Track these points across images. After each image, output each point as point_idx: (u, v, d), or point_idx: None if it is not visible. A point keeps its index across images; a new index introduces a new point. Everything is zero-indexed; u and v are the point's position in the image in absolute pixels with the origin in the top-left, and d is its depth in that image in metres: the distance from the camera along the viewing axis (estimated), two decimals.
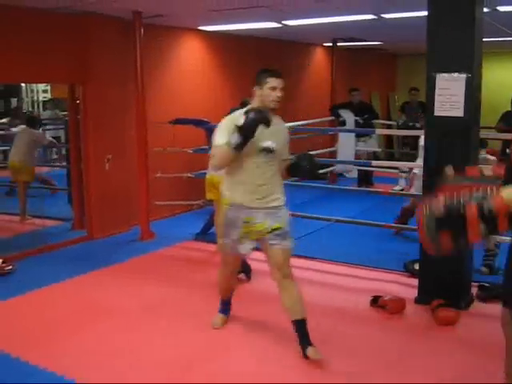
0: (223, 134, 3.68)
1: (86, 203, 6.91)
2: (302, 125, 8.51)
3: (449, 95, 4.41)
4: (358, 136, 9.71)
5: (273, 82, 3.70)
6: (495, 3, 5.90)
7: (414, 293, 4.86)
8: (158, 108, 7.39)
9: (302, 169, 3.96)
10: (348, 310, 4.71)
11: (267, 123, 3.60)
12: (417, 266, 5.11)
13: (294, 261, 5.88)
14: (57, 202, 8.22)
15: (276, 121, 3.85)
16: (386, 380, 3.57)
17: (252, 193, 3.78)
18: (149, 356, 3.87)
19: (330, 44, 10.76)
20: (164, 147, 7.13)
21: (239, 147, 3.60)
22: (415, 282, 4.94)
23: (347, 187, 8.55)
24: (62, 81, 6.79)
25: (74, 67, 6.53)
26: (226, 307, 4.42)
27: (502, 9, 6.24)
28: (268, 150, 3.76)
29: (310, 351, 3.74)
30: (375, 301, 4.75)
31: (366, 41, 10.33)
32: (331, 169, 10.01)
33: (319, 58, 11.59)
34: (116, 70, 6.93)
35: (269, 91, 3.70)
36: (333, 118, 9.81)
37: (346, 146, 9.05)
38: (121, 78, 6.95)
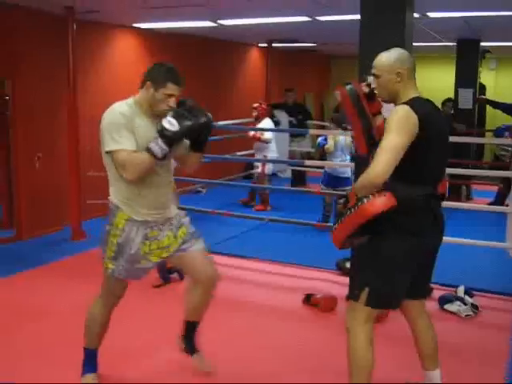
0: (125, 136, 3.07)
1: (15, 202, 6.71)
2: (236, 123, 8.53)
3: None
4: (292, 136, 9.82)
5: (172, 89, 3.05)
6: (425, 9, 6.07)
7: (346, 290, 4.94)
8: (91, 105, 7.23)
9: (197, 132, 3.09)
10: (280, 309, 4.75)
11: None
12: (348, 265, 5.20)
13: (227, 260, 5.96)
14: None
15: None
16: (319, 380, 3.62)
17: (155, 204, 3.19)
18: (79, 358, 3.80)
19: (266, 44, 10.84)
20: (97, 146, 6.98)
21: (164, 158, 3.03)
22: (347, 280, 5.03)
23: (280, 187, 8.61)
24: None
25: (1, 61, 6.32)
26: (94, 361, 3.44)
27: (431, 15, 6.43)
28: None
29: (196, 358, 3.55)
30: (308, 299, 4.81)
31: (300, 42, 10.44)
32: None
33: (255, 58, 11.63)
34: (48, 66, 6.77)
35: (164, 97, 3.05)
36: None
37: (280, 146, 9.12)
38: (53, 74, 6.79)
